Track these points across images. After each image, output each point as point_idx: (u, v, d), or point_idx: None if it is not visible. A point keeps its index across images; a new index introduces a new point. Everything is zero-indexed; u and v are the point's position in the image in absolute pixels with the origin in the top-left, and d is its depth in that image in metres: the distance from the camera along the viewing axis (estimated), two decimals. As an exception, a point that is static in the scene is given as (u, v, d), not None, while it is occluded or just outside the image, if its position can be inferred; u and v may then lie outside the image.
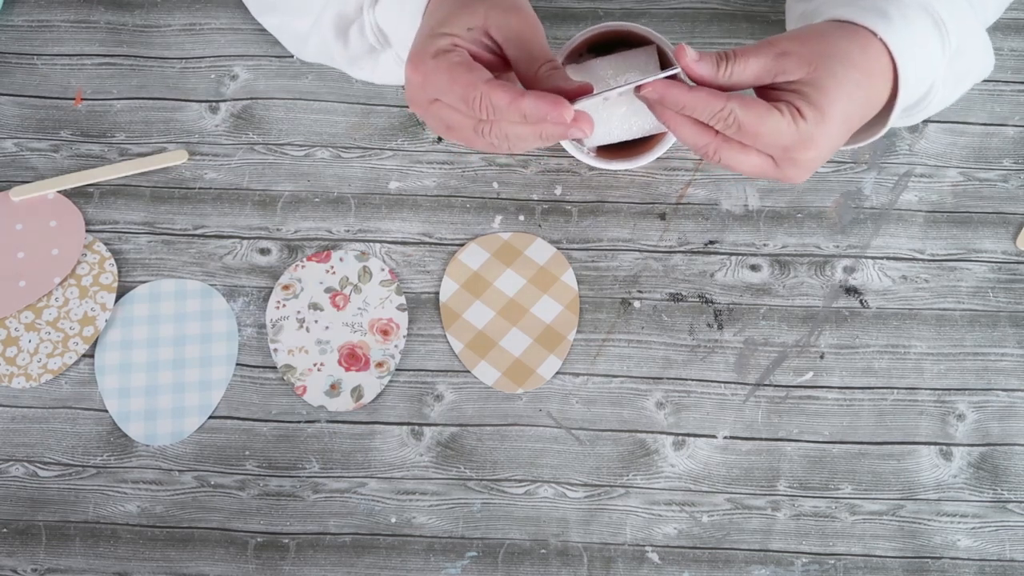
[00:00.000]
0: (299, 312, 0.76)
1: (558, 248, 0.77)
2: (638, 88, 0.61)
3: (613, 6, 0.85)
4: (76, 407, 0.74)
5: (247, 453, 0.73)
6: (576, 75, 0.69)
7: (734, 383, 0.74)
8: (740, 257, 0.77)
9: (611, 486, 0.71)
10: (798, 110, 0.59)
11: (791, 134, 0.59)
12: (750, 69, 0.60)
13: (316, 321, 0.75)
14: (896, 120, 0.66)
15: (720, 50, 0.60)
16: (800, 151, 0.60)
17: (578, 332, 0.75)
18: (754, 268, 0.77)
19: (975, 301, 0.76)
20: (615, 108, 0.68)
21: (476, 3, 0.61)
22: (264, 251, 0.78)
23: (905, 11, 0.62)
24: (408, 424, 0.73)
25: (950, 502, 0.71)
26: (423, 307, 0.76)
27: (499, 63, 0.62)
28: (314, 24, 0.73)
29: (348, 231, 0.78)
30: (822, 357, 0.74)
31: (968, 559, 0.69)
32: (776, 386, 0.74)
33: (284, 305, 0.76)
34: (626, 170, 0.78)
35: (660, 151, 0.71)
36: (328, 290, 0.76)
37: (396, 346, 0.75)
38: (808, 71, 0.60)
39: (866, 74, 0.61)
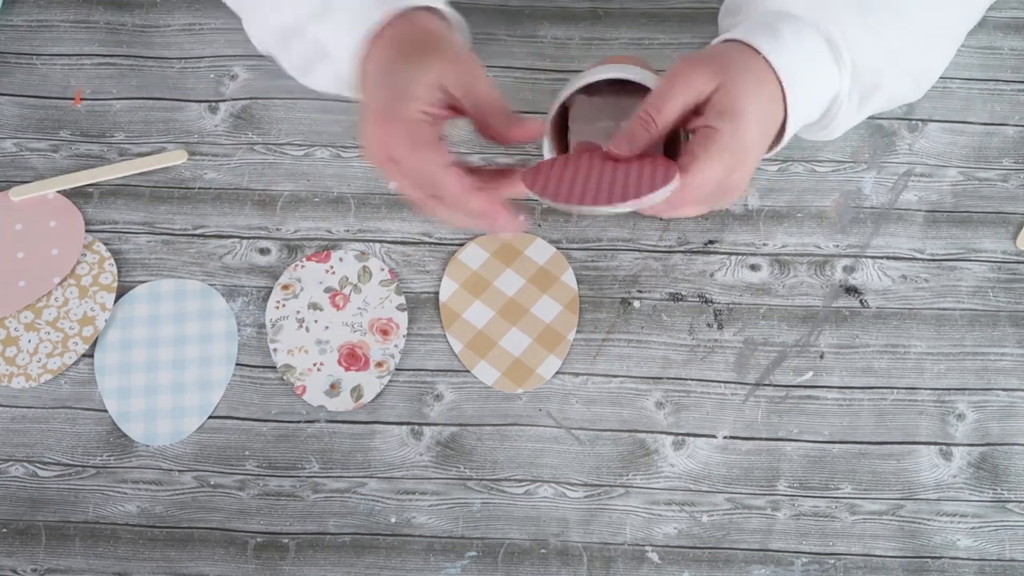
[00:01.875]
0: (299, 312, 0.76)
1: (558, 248, 0.77)
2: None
3: (613, 6, 0.85)
4: (76, 407, 0.74)
5: (247, 453, 0.73)
6: (584, 107, 0.70)
7: (734, 383, 0.74)
8: (740, 257, 0.77)
9: (611, 486, 0.71)
10: (711, 127, 0.62)
11: (719, 168, 0.62)
12: (671, 107, 0.63)
13: (316, 321, 0.75)
14: (809, 133, 0.71)
15: (643, 111, 0.63)
16: (735, 172, 0.63)
17: (578, 332, 0.75)
18: (754, 268, 0.77)
19: (975, 301, 0.76)
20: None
21: (428, 59, 0.63)
22: (264, 251, 0.78)
23: (799, 30, 0.65)
24: (408, 424, 0.73)
25: (950, 502, 0.71)
26: (423, 307, 0.76)
27: (455, 112, 0.65)
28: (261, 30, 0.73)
29: (348, 231, 0.78)
30: (822, 357, 0.74)
31: (968, 559, 0.69)
32: (776, 386, 0.74)
33: (284, 305, 0.76)
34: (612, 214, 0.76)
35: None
36: (328, 290, 0.76)
37: (396, 346, 0.75)
38: (715, 81, 0.62)
39: (765, 86, 0.64)
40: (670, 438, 0.72)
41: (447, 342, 0.75)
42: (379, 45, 0.65)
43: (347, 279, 0.77)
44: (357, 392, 0.74)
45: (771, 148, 0.67)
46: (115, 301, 0.76)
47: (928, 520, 0.70)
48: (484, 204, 0.62)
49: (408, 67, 0.63)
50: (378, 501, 0.71)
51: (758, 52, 0.64)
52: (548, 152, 0.70)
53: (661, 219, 0.78)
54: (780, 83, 0.64)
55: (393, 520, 0.71)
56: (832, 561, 0.69)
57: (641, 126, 0.64)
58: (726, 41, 0.67)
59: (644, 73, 0.69)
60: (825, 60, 0.66)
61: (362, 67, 0.66)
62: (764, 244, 0.77)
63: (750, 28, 0.66)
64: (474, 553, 0.70)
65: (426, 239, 0.78)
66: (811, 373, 0.74)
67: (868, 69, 0.68)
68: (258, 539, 0.71)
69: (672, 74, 0.64)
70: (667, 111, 0.63)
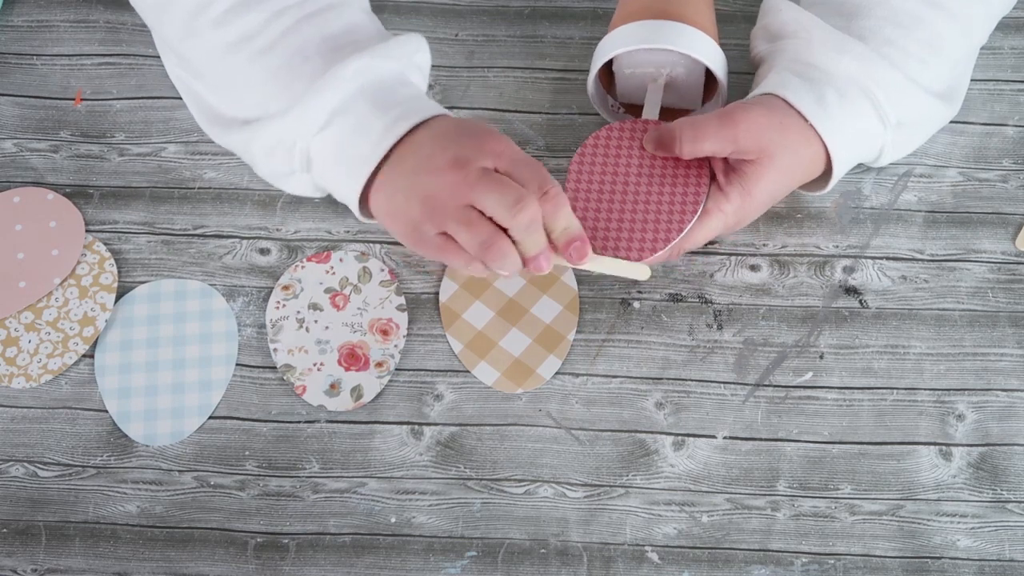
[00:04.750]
0: (299, 312, 0.76)
1: (558, 248, 0.77)
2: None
3: (612, 6, 0.84)
4: (76, 407, 0.74)
5: (247, 453, 0.73)
6: (626, 66, 0.76)
7: (734, 383, 0.74)
8: (739, 257, 0.77)
9: (611, 486, 0.71)
10: (723, 192, 0.70)
11: (719, 229, 0.71)
12: (706, 146, 0.68)
13: (316, 321, 0.75)
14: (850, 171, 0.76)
15: (679, 132, 0.68)
16: (733, 228, 0.73)
17: (578, 332, 0.75)
18: (754, 268, 0.77)
19: (974, 301, 0.76)
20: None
21: (485, 138, 0.66)
22: (264, 251, 0.78)
23: (844, 93, 0.69)
24: (408, 424, 0.73)
25: (950, 502, 0.71)
26: (423, 307, 0.76)
27: None
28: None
29: (348, 232, 0.78)
30: (822, 357, 0.74)
31: (968, 559, 0.69)
32: (776, 386, 0.74)
33: (284, 305, 0.76)
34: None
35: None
36: (328, 290, 0.76)
37: (396, 346, 0.75)
38: (755, 155, 0.68)
39: (802, 161, 0.70)
40: (670, 438, 0.73)
41: (447, 342, 0.75)
42: (416, 135, 0.67)
43: (347, 279, 0.77)
44: (357, 392, 0.74)
45: (818, 188, 0.74)
46: (115, 301, 0.76)
47: (928, 520, 0.70)
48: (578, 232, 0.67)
49: (465, 144, 0.65)
50: (378, 501, 0.71)
51: (806, 119, 0.68)
52: (594, 96, 0.77)
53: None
54: (826, 148, 0.69)
55: (393, 520, 0.71)
56: (832, 561, 0.69)
57: (669, 143, 0.69)
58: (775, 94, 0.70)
59: (683, 34, 0.71)
60: (871, 122, 0.70)
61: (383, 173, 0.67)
62: (764, 244, 0.77)
63: (802, 85, 0.69)
64: (474, 553, 0.70)
65: (426, 239, 0.78)
66: (811, 374, 0.74)
67: (911, 119, 0.71)
68: (258, 539, 0.71)
69: (725, 119, 0.68)
70: (701, 148, 0.68)
